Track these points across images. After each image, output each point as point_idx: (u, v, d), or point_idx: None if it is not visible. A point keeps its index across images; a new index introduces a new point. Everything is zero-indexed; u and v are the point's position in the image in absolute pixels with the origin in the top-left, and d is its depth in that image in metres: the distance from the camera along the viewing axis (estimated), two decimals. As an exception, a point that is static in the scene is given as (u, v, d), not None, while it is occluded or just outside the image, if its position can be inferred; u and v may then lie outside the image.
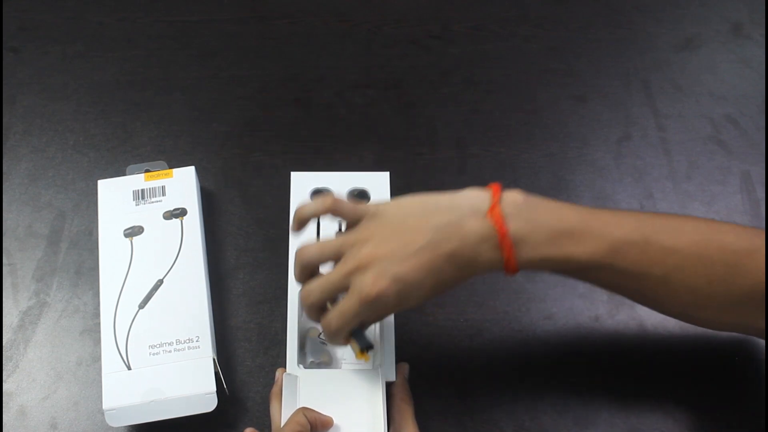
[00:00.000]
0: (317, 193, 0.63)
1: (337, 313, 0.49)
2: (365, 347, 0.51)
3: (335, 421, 0.51)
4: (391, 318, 0.58)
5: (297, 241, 0.61)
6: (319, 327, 0.58)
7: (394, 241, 0.48)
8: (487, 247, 0.48)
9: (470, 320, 0.62)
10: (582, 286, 0.63)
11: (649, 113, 0.74)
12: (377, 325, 0.58)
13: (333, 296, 0.50)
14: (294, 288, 0.59)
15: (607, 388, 0.59)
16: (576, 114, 0.75)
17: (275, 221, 0.67)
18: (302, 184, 0.64)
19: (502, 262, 0.48)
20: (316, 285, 0.50)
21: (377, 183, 0.64)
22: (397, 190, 0.68)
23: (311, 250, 0.51)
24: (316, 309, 0.51)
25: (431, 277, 0.48)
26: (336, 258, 0.50)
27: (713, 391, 0.58)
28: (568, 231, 0.48)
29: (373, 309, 0.48)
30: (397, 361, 0.56)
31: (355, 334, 0.51)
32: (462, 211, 0.48)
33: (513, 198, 0.49)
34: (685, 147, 0.72)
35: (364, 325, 0.51)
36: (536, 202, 0.50)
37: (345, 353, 0.58)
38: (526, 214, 0.48)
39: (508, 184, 0.69)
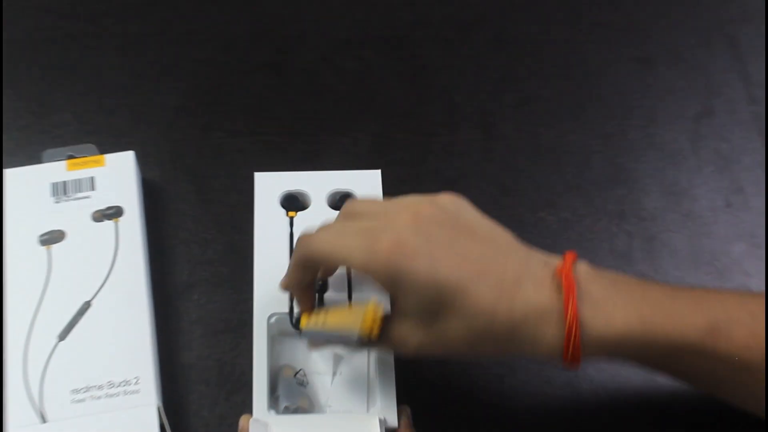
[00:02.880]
0: (290, 198, 0.63)
1: (328, 237, 0.51)
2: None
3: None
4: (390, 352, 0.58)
5: (265, 252, 0.61)
6: (294, 366, 0.58)
7: (458, 233, 0.50)
8: (544, 322, 0.49)
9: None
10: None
11: (736, 81, 0.75)
12: (372, 355, 0.58)
13: (335, 261, 0.52)
14: (263, 312, 0.58)
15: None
16: (640, 82, 0.75)
17: (241, 224, 0.66)
18: (269, 188, 0.64)
19: (561, 344, 0.48)
20: (323, 232, 0.52)
21: (365, 184, 0.64)
22: (401, 184, 0.68)
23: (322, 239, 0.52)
24: (308, 265, 0.53)
25: (457, 298, 0.48)
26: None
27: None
28: (653, 304, 0.49)
29: (366, 265, 0.49)
30: (398, 403, 0.56)
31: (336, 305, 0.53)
32: (529, 262, 0.50)
33: (583, 269, 0.51)
34: (785, 125, 0.72)
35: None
36: (610, 274, 0.51)
37: (330, 396, 0.58)
38: (598, 286, 0.50)
39: (550, 174, 0.69)
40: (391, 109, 0.73)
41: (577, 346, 0.48)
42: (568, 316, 0.48)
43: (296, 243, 0.53)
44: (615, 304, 0.49)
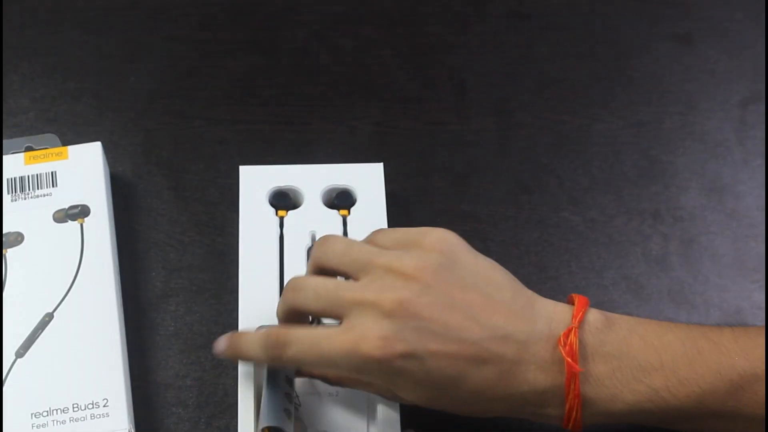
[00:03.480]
0: (279, 195, 0.64)
1: (307, 338, 0.51)
2: (268, 424, 0.52)
3: None
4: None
5: (251, 257, 0.61)
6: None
7: (451, 306, 0.50)
8: (544, 403, 0.51)
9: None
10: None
11: (787, 61, 0.75)
12: None
13: (323, 312, 0.53)
14: (250, 325, 0.57)
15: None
16: (678, 63, 0.75)
17: (223, 225, 0.66)
18: (256, 183, 0.64)
19: (561, 418, 0.52)
20: (312, 283, 0.53)
21: (365, 179, 0.64)
22: (404, 179, 0.68)
23: (332, 249, 0.53)
24: (293, 313, 0.53)
25: (455, 384, 0.51)
26: (357, 271, 0.52)
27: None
28: (669, 365, 0.51)
29: (357, 369, 0.51)
30: (402, 428, 0.56)
31: (267, 396, 0.53)
32: (532, 332, 0.51)
33: (593, 323, 0.52)
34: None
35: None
36: (622, 324, 0.53)
37: (326, 420, 0.58)
38: (606, 356, 0.51)
39: (575, 168, 0.69)
40: (394, 94, 0.73)
41: (578, 423, 0.51)
42: (569, 399, 0.51)
43: (267, 340, 0.53)
44: (623, 381, 0.51)
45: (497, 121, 0.72)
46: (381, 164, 0.65)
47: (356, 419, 0.57)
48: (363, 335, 0.49)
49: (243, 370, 0.57)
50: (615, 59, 0.75)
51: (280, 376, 0.56)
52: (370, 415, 0.58)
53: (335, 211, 0.63)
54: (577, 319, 0.51)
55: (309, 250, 0.56)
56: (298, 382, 0.58)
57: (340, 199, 0.64)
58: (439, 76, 0.74)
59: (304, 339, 0.52)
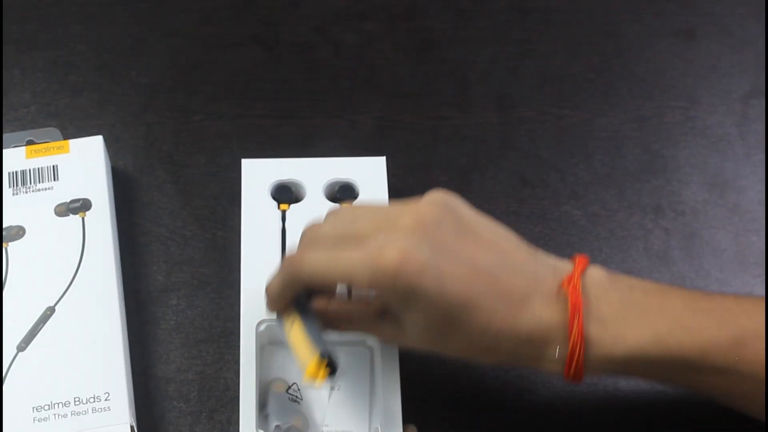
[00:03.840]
0: (282, 189, 0.64)
1: (324, 254, 0.52)
2: (325, 354, 0.52)
3: None
4: (395, 362, 0.58)
5: (253, 251, 0.61)
6: (287, 379, 0.58)
7: (463, 235, 0.51)
8: (549, 341, 0.51)
9: (519, 370, 0.62)
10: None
11: (790, 56, 0.75)
12: (375, 366, 0.58)
13: (342, 239, 0.52)
14: (252, 319, 0.58)
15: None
16: (680, 57, 0.75)
17: (225, 219, 0.67)
18: (258, 177, 0.64)
19: (564, 361, 0.51)
20: (315, 251, 0.52)
21: (368, 173, 0.64)
22: (406, 173, 0.68)
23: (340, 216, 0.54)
24: (299, 287, 0.54)
25: (466, 312, 0.50)
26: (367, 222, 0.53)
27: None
28: (671, 319, 0.51)
29: (373, 282, 0.50)
30: (404, 422, 0.57)
31: (308, 327, 0.53)
32: (538, 273, 0.52)
33: (595, 276, 0.53)
34: None
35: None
36: (624, 280, 0.53)
37: (327, 414, 0.58)
38: (610, 299, 0.52)
39: (577, 162, 0.70)
40: (396, 88, 0.73)
41: (580, 366, 0.51)
42: (573, 336, 0.50)
43: (283, 264, 0.54)
44: (626, 320, 0.51)
45: (499, 115, 0.72)
46: (384, 158, 0.65)
47: (358, 414, 0.58)
48: (381, 248, 0.49)
49: (245, 364, 0.57)
50: (617, 54, 0.75)
51: (309, 309, 0.55)
52: (372, 409, 0.58)
53: (337, 204, 0.63)
54: (580, 268, 0.52)
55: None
56: (300, 377, 0.58)
57: (343, 193, 0.64)
58: (441, 71, 0.74)
59: (321, 254, 0.52)
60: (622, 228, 0.68)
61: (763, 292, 0.64)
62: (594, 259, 0.65)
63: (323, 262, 0.52)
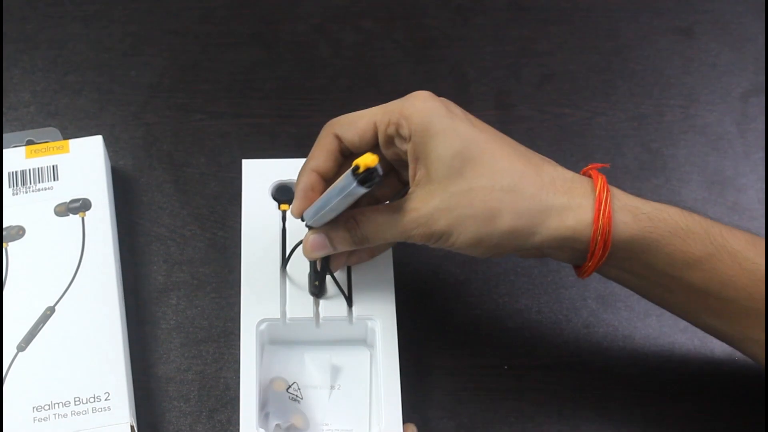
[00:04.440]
0: (282, 189, 0.64)
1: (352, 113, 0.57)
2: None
3: None
4: (395, 361, 0.58)
5: (253, 250, 0.61)
6: (285, 378, 0.59)
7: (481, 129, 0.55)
8: (575, 192, 0.54)
9: (516, 366, 0.62)
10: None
11: (789, 54, 0.75)
12: (375, 366, 0.59)
13: (367, 117, 0.56)
14: (252, 318, 0.59)
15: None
16: (679, 55, 0.75)
17: (225, 219, 0.67)
18: (258, 177, 0.64)
19: (589, 220, 0.53)
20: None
21: None
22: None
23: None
24: (336, 133, 0.57)
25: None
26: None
27: (712, 391, 0.63)
28: (691, 223, 0.54)
29: (407, 112, 0.54)
30: (404, 422, 0.57)
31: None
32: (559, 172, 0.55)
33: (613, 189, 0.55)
34: None
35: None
36: (625, 194, 0.55)
37: (327, 413, 0.58)
38: (630, 199, 0.55)
39: (576, 162, 0.70)
40: (396, 87, 0.73)
41: (608, 215, 0.53)
42: (599, 183, 0.53)
43: (322, 131, 0.57)
44: (652, 208, 0.54)
45: (498, 114, 0.72)
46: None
47: (358, 412, 0.58)
48: (409, 96, 0.55)
49: (245, 364, 0.57)
50: (616, 52, 0.75)
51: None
52: (373, 408, 0.58)
53: None
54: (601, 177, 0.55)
55: None
56: (300, 376, 0.58)
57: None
58: (440, 69, 0.74)
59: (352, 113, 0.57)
60: (622, 226, 0.68)
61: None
62: (594, 258, 0.65)
63: (353, 114, 0.56)
